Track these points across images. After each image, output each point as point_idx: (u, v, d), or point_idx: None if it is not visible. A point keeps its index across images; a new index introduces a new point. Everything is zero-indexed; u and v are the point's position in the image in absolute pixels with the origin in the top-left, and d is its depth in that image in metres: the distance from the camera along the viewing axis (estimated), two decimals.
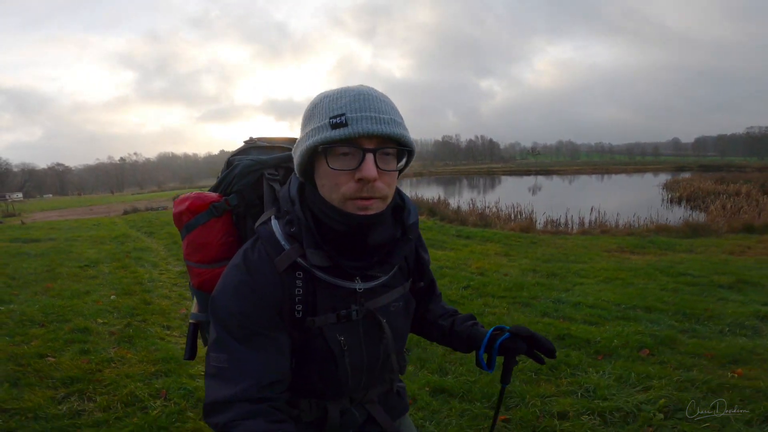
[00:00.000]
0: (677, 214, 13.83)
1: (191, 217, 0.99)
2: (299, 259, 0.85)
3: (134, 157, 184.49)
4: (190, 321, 1.10)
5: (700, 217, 13.53)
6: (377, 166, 0.77)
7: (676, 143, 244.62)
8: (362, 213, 0.79)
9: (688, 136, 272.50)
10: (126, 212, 20.37)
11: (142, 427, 2.16)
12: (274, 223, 0.88)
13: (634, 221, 11.56)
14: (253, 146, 1.10)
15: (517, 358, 1.00)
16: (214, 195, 1.02)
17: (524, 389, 2.60)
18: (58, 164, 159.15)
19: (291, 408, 0.93)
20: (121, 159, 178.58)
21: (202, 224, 0.98)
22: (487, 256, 6.85)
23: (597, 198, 21.60)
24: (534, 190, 32.66)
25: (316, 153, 0.79)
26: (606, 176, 56.44)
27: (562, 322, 3.69)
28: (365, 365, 0.94)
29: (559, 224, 12.77)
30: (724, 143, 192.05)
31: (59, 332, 3.47)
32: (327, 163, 0.77)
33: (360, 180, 0.76)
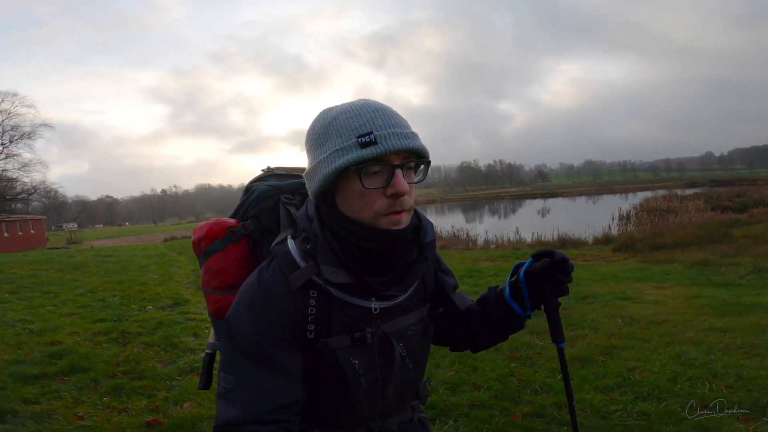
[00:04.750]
0: (622, 230, 16.33)
1: (209, 244, 0.99)
2: (314, 277, 0.83)
3: (174, 189, 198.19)
4: (207, 351, 1.09)
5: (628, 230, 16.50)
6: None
7: (709, 157, 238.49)
8: (396, 228, 0.81)
9: (721, 149, 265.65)
10: (166, 240, 26.57)
11: (154, 297, 7.07)
12: (290, 242, 0.88)
13: (524, 237, 15.54)
14: (270, 174, 1.11)
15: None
16: (231, 221, 1.02)
17: None
18: (108, 196, 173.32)
19: None
20: (163, 191, 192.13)
21: (220, 250, 0.98)
22: None
23: (561, 217, 25.13)
24: (543, 212, 35.51)
25: (342, 173, 0.79)
26: (610, 195, 58.04)
27: None
28: (381, 391, 0.90)
29: (490, 242, 16.79)
30: (753, 155, 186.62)
31: (133, 284, 8.52)
32: (361, 182, 0.77)
33: (392, 195, 0.78)
